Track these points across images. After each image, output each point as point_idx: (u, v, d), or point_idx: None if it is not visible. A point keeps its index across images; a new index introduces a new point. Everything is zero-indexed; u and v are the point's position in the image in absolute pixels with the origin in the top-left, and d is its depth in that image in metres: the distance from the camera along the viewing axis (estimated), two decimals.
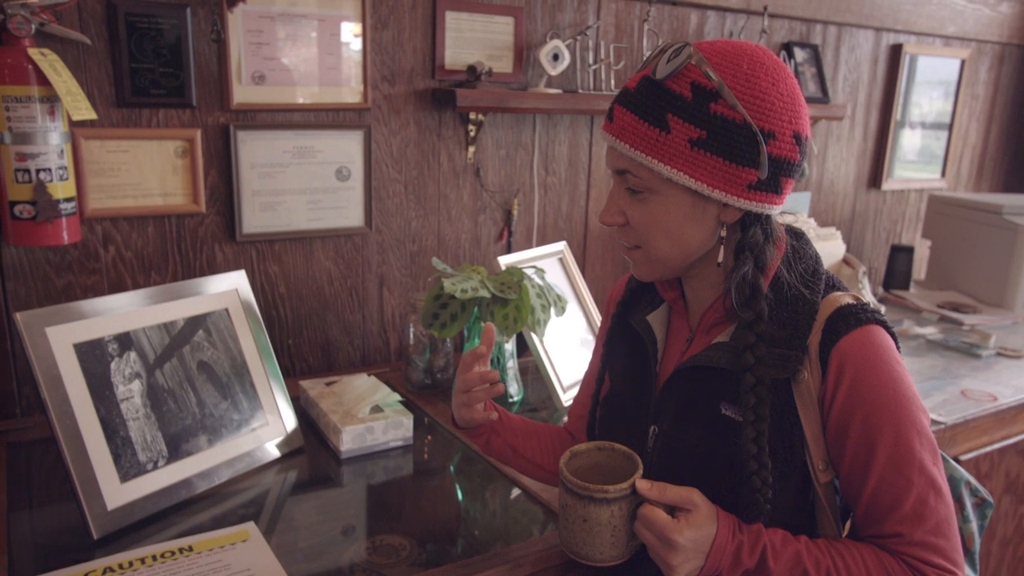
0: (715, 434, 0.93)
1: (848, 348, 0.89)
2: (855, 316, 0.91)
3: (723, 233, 0.92)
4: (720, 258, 0.93)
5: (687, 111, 0.85)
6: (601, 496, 0.87)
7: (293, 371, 1.80)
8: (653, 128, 0.87)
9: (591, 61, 2.03)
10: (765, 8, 2.26)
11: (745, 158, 0.85)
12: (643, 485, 0.88)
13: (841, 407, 0.89)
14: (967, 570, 1.04)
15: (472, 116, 1.86)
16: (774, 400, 0.90)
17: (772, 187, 0.88)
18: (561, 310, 1.52)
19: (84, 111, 1.35)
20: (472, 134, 1.89)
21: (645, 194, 0.91)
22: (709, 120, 0.85)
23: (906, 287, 2.76)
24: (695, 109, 0.85)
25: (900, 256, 2.77)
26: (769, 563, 0.87)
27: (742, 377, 0.90)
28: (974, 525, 1.06)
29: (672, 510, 0.88)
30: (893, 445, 0.87)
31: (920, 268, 3.00)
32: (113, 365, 1.22)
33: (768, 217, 0.92)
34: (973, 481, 1.09)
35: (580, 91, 2.02)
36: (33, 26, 1.33)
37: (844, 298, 0.93)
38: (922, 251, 2.96)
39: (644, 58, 2.09)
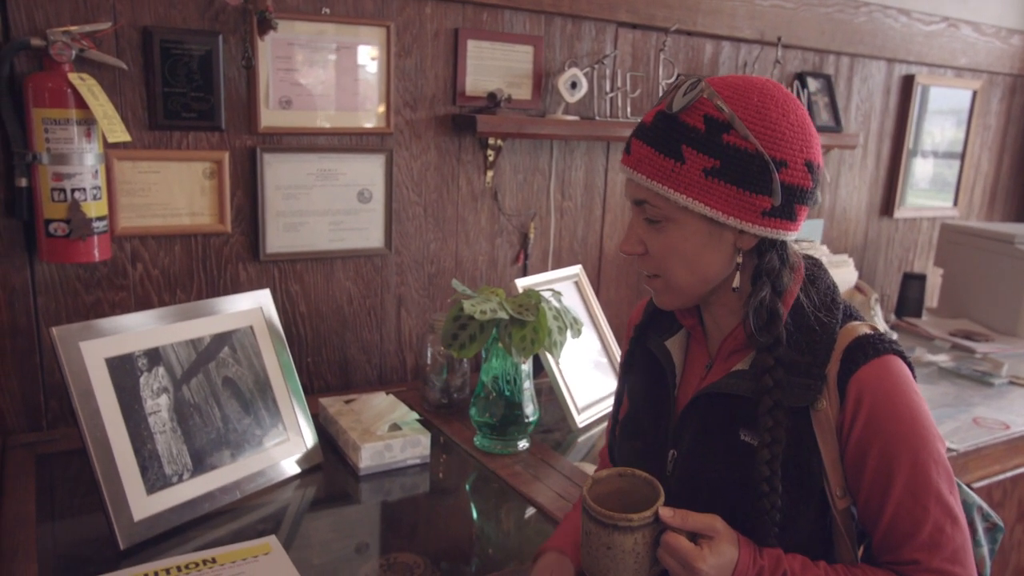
0: (734, 459, 0.95)
1: (866, 378, 0.91)
2: (873, 346, 0.92)
3: (740, 259, 0.94)
4: (736, 283, 0.96)
5: (701, 142, 0.88)
6: (625, 524, 0.88)
7: (311, 388, 1.83)
8: (668, 159, 0.90)
9: (608, 89, 2.07)
10: (779, 39, 2.31)
11: (758, 186, 0.89)
12: (666, 513, 0.89)
13: (859, 436, 0.90)
14: None
15: (491, 141, 1.90)
16: (793, 427, 0.91)
17: (786, 214, 0.91)
18: (577, 332, 1.54)
19: (119, 134, 1.40)
20: (491, 159, 1.93)
21: (663, 223, 0.94)
22: (722, 150, 0.88)
23: (918, 315, 2.77)
24: (708, 140, 0.88)
25: (912, 284, 2.79)
26: None
27: (760, 400, 0.91)
28: (985, 549, 1.07)
29: (694, 536, 0.89)
30: (911, 474, 0.89)
31: (932, 296, 3.01)
32: (142, 380, 1.26)
33: (784, 243, 0.95)
34: (984, 506, 1.10)
35: (597, 118, 2.06)
36: (73, 52, 1.38)
37: (862, 328, 0.95)
38: (934, 279, 2.97)
39: (660, 87, 2.15)
